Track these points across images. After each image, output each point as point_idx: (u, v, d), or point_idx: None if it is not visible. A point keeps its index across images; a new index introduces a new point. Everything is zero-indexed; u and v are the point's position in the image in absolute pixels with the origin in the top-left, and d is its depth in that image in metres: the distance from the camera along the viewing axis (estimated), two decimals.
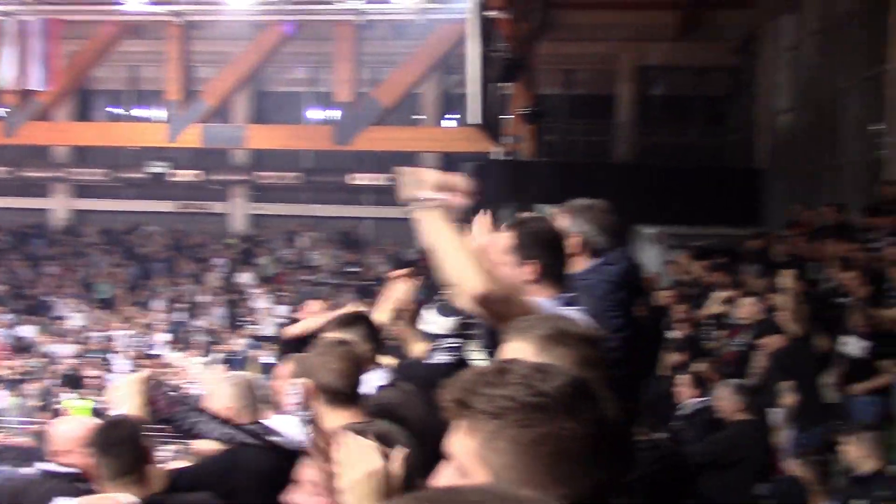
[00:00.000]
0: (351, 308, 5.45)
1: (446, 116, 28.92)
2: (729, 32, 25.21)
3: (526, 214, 4.26)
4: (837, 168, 17.46)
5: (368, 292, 19.31)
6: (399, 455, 2.37)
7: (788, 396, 7.16)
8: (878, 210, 11.42)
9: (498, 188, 18.63)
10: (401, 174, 3.09)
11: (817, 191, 18.25)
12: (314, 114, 29.82)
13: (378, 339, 4.45)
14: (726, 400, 6.39)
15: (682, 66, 26.38)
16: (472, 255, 2.98)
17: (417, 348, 4.63)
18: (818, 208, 13.57)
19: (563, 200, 4.12)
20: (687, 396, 7.74)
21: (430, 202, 2.98)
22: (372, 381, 3.92)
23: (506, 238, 3.35)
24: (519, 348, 2.43)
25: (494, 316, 2.97)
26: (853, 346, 7.41)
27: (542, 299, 3.19)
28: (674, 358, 8.98)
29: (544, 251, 3.37)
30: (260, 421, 4.13)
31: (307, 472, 3.24)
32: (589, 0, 25.16)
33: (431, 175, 3.08)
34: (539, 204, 15.00)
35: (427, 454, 2.33)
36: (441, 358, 4.08)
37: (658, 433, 6.88)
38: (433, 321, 4.36)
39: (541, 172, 20.57)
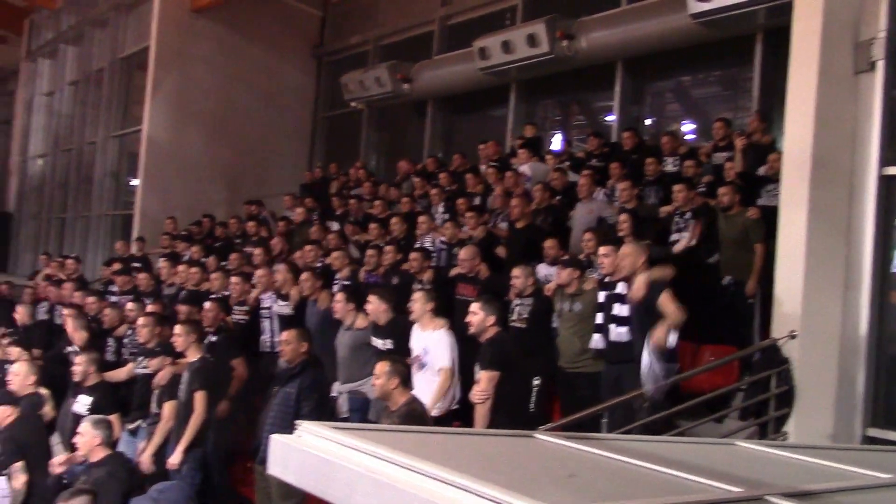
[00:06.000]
0: None
1: None
2: None
3: None
4: (88, 219, 17.55)
5: None
6: None
7: (20, 477, 6.66)
8: (111, 263, 11.83)
9: None
10: None
11: (66, 241, 18.09)
12: None
13: None
14: None
15: None
16: None
17: None
18: (63, 259, 13.37)
19: None
20: None
21: None
22: None
23: None
24: None
25: None
26: (80, 404, 7.33)
27: None
28: None
29: None
30: None
31: None
32: None
33: None
34: None
35: None
36: None
37: None
38: None
39: None
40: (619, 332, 6.07)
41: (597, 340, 6.30)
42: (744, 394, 6.10)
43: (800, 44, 6.07)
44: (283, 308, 8.22)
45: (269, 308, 8.36)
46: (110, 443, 6.24)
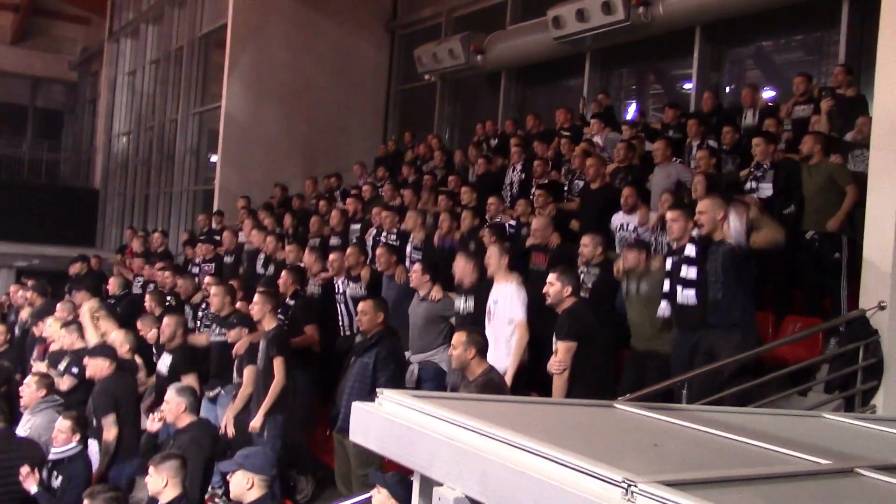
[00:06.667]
0: None
1: None
2: (68, 46, 24.35)
3: None
4: (170, 194, 18.00)
5: None
6: None
7: (111, 429, 6.91)
8: (193, 239, 12.17)
9: None
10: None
11: (150, 216, 18.61)
12: None
13: None
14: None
15: (17, 74, 24.52)
16: None
17: None
18: (147, 233, 13.75)
19: None
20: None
21: None
22: None
23: None
24: None
25: None
26: (163, 363, 7.61)
27: None
28: None
29: None
30: None
31: None
32: None
33: None
34: None
35: None
36: None
37: None
38: None
39: None
40: (686, 295, 5.69)
41: (663, 308, 6.02)
42: (829, 366, 5.93)
43: (891, 2, 5.81)
44: (356, 290, 8.24)
45: (342, 293, 8.36)
46: (195, 409, 6.42)
